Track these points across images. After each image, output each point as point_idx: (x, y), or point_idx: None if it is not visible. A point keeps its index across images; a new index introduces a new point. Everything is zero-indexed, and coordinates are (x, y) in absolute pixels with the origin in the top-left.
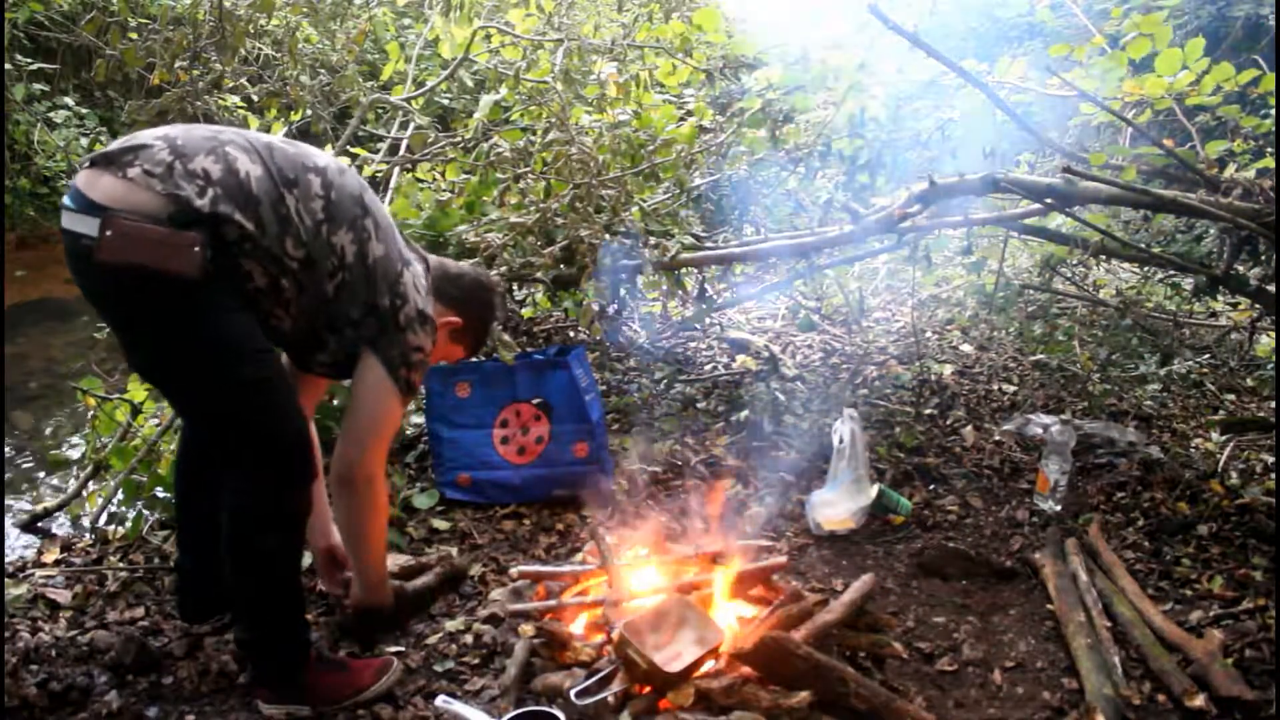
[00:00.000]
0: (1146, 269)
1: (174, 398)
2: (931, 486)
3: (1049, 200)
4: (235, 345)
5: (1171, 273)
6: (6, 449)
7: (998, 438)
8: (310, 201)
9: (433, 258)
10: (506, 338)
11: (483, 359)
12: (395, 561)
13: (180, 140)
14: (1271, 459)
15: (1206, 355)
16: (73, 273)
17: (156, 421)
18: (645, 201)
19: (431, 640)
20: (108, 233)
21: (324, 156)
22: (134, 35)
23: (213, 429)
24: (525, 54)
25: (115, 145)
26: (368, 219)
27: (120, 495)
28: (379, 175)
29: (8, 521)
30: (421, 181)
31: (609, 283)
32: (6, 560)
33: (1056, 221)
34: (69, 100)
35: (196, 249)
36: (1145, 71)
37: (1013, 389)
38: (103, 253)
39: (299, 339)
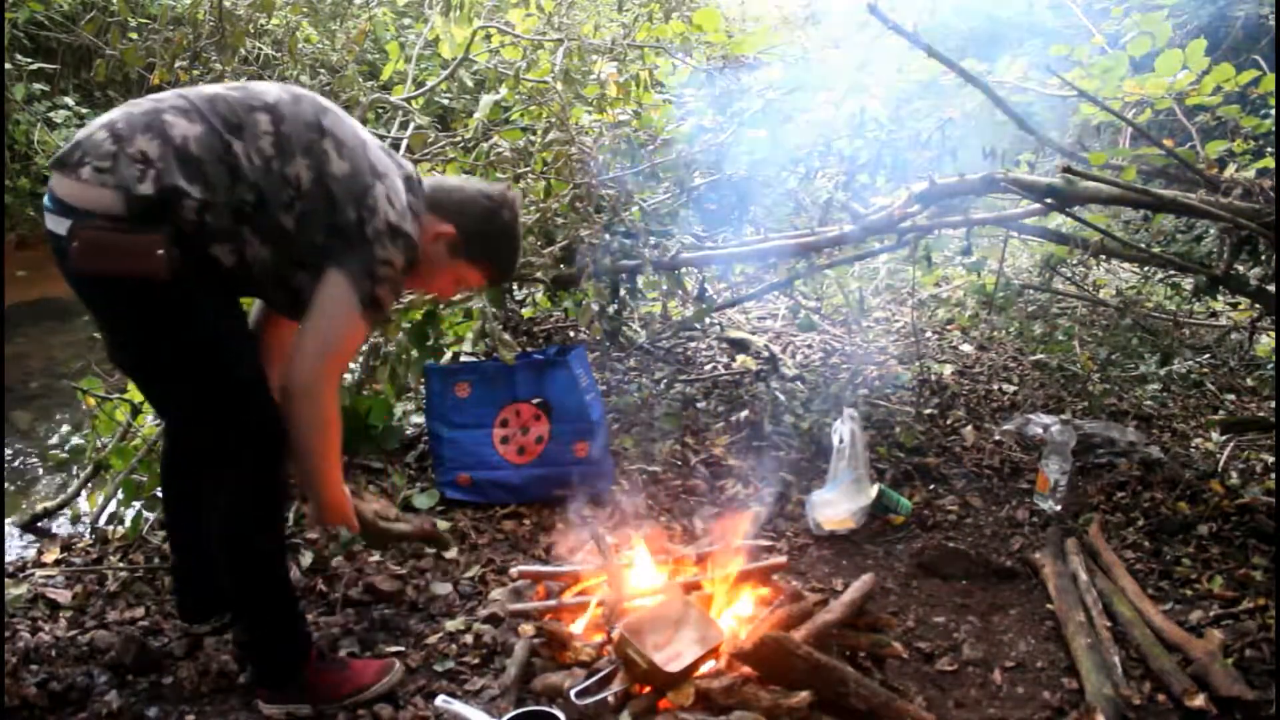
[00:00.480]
0: (1146, 269)
1: (162, 398)
2: (931, 486)
3: (1049, 200)
4: (223, 345)
5: (1171, 273)
6: (6, 449)
7: (998, 438)
8: (258, 141)
9: (437, 175)
10: (506, 337)
11: (482, 359)
12: (375, 508)
13: (121, 124)
14: (1271, 459)
15: (1206, 355)
16: (60, 272)
17: (156, 421)
18: (645, 201)
19: (431, 640)
20: (75, 243)
21: (275, 90)
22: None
23: (206, 429)
24: (525, 54)
25: (68, 144)
26: (325, 140)
27: (120, 495)
28: None
29: (7, 521)
30: None
31: (609, 283)
32: (6, 560)
33: (1056, 221)
34: (69, 100)
35: (160, 251)
36: (1145, 71)
37: (1013, 389)
38: (73, 262)
39: (272, 284)
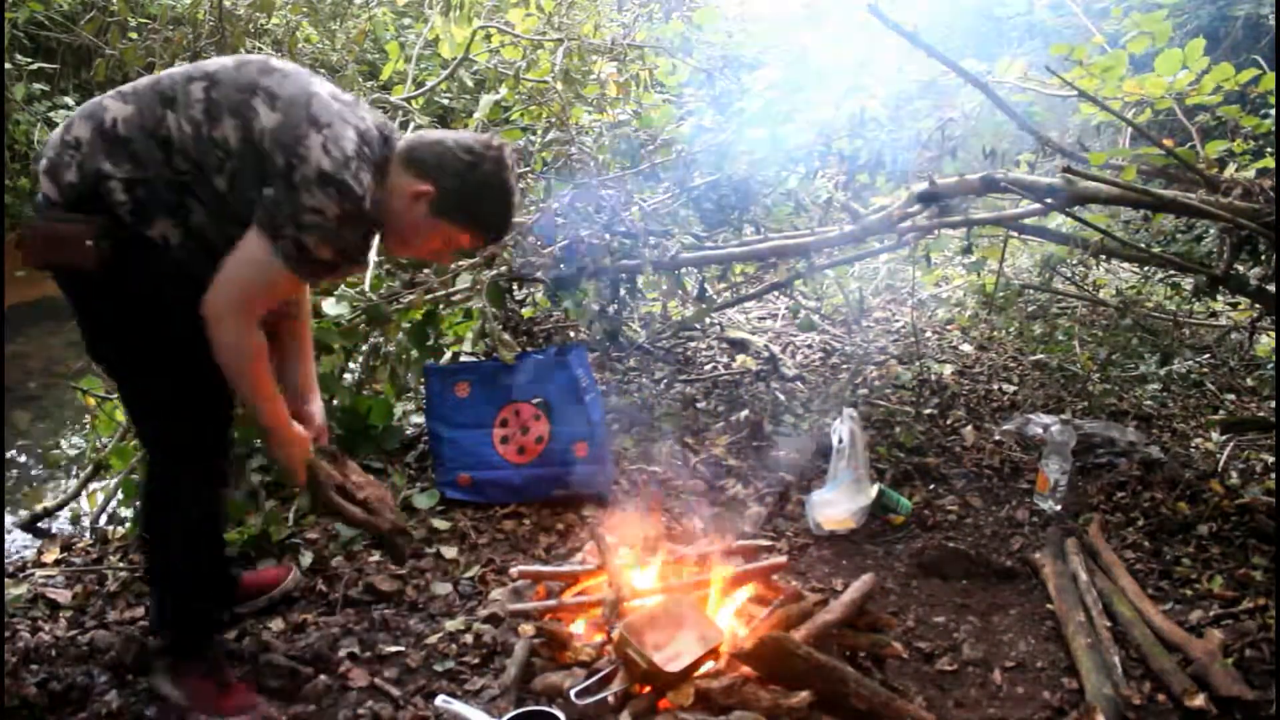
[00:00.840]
0: (1146, 269)
1: (131, 396)
2: (931, 486)
3: (1049, 200)
4: (166, 340)
5: (1171, 273)
6: (6, 449)
7: (998, 438)
8: (190, 109)
9: (424, 129)
10: (506, 337)
11: (482, 359)
12: (356, 480)
13: (76, 112)
14: (1271, 459)
15: (1206, 355)
16: None
17: None
18: (645, 202)
19: (431, 640)
20: (26, 238)
21: (226, 61)
22: (134, 35)
23: (174, 425)
24: (525, 54)
25: None
26: (257, 98)
27: (120, 495)
28: None
29: (8, 521)
30: None
31: (609, 283)
32: (6, 560)
33: (1056, 221)
34: (69, 100)
35: (89, 242)
36: (1145, 71)
37: (1013, 389)
38: (26, 259)
39: (224, 248)
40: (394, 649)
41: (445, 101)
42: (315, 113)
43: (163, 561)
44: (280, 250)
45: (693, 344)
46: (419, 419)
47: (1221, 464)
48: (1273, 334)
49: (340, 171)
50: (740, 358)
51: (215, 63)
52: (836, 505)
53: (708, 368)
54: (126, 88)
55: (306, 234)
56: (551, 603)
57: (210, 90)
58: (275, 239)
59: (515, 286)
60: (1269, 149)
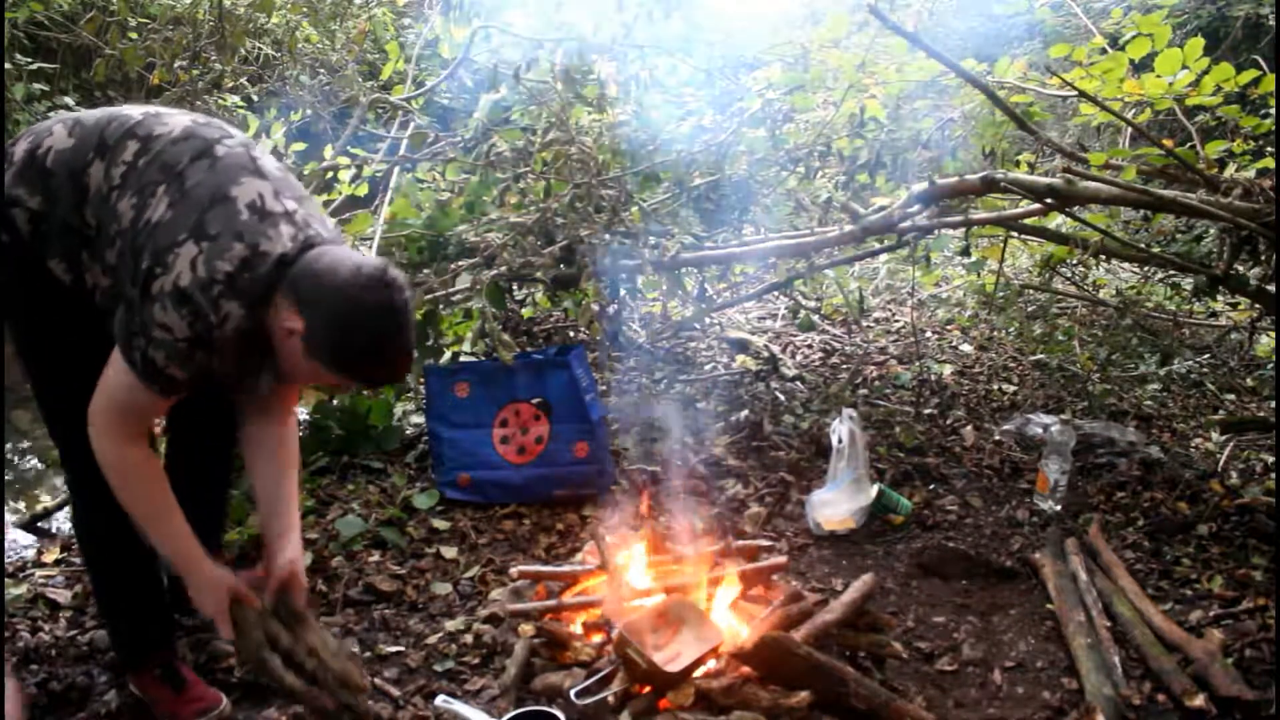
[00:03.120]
0: (1146, 269)
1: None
2: (931, 486)
3: (1049, 200)
4: (61, 354)
5: (1171, 273)
6: (6, 449)
7: (998, 438)
8: (112, 168)
9: (328, 251)
10: (506, 338)
11: (482, 359)
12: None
13: (38, 125)
14: (1271, 459)
15: (1206, 355)
16: None
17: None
18: (645, 202)
19: (431, 640)
20: None
21: (180, 125)
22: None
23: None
24: (525, 54)
25: None
26: (166, 185)
27: None
28: (379, 175)
29: (8, 521)
30: (421, 181)
31: (609, 283)
32: (6, 560)
33: (1056, 221)
34: (69, 100)
35: None
36: (1145, 71)
37: (1013, 389)
38: None
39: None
40: (394, 649)
41: (445, 102)
42: (208, 219)
43: (92, 580)
44: (131, 362)
45: (693, 344)
46: (419, 419)
47: (1221, 464)
48: (1273, 334)
49: (198, 292)
50: (740, 358)
51: (168, 123)
52: (836, 505)
53: (708, 368)
54: (88, 116)
55: (154, 349)
56: (551, 603)
57: (139, 157)
58: (127, 349)
59: (515, 286)
60: (1269, 149)
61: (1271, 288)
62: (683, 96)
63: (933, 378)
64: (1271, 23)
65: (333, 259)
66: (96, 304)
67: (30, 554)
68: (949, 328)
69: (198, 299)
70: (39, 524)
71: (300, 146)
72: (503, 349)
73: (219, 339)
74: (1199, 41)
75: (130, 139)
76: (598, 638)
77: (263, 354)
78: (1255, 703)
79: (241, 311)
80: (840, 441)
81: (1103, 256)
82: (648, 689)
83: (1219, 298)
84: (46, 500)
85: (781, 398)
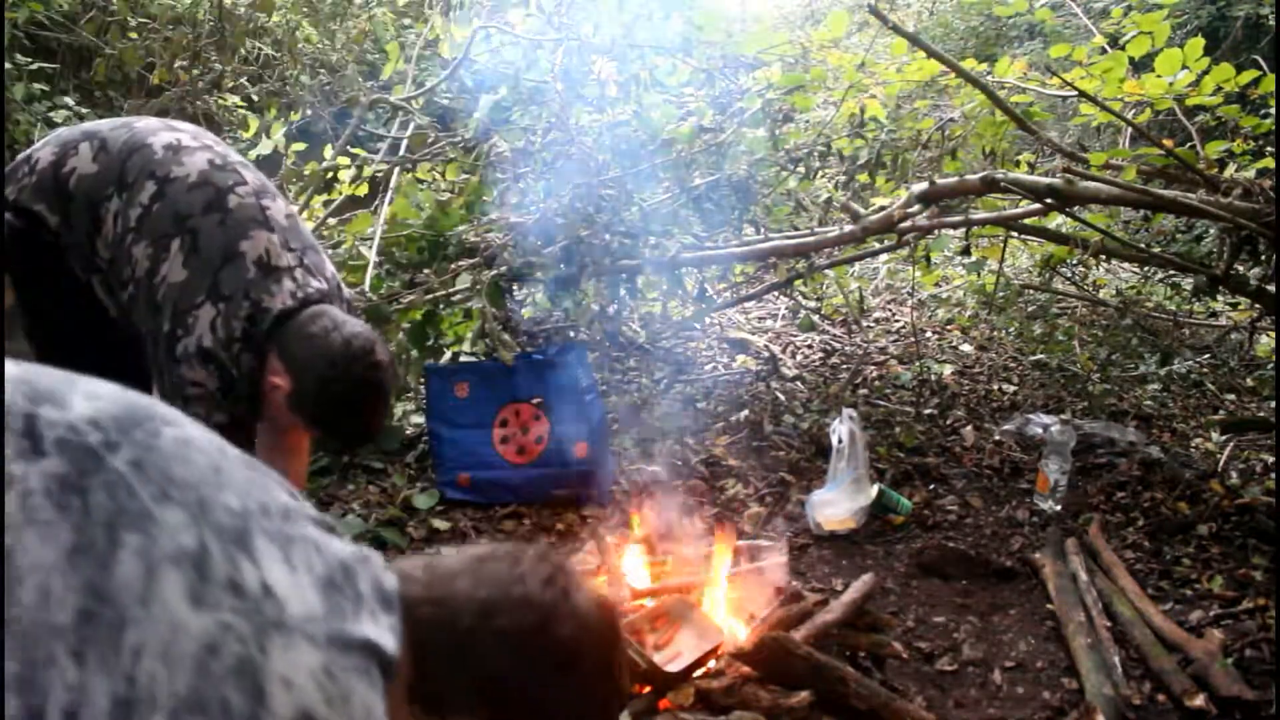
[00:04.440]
0: (1146, 269)
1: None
2: (931, 486)
3: (1049, 200)
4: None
5: (1171, 273)
6: None
7: (998, 438)
8: (131, 208)
9: (323, 313)
10: (506, 338)
11: (482, 359)
12: None
13: (61, 133)
14: (1271, 459)
15: (1206, 355)
16: None
17: None
18: (645, 202)
19: None
20: None
21: (197, 167)
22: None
23: None
24: (525, 54)
25: None
26: (177, 239)
27: None
28: (379, 175)
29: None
30: (421, 181)
31: (609, 282)
32: None
33: (1056, 221)
34: (69, 100)
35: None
36: (1145, 71)
37: (1013, 389)
38: None
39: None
40: None
41: (445, 102)
42: (222, 280)
43: None
44: None
45: (693, 344)
46: (419, 419)
47: (1221, 464)
48: (1273, 334)
49: (221, 351)
50: (740, 358)
51: (185, 163)
52: (836, 505)
53: (708, 368)
54: (114, 140)
55: (193, 406)
56: None
57: (154, 201)
58: (172, 403)
59: (515, 286)
60: (1269, 149)
61: (1271, 288)
62: (683, 96)
63: (933, 378)
64: (1271, 23)
65: (324, 324)
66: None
67: None
68: (949, 328)
69: (220, 357)
70: None
71: (300, 146)
72: (503, 349)
73: (239, 387)
74: (1199, 41)
75: (149, 180)
76: None
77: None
78: (1255, 703)
79: (254, 362)
80: (840, 441)
81: (1103, 256)
82: (648, 689)
83: (1219, 298)
84: None
85: (781, 398)
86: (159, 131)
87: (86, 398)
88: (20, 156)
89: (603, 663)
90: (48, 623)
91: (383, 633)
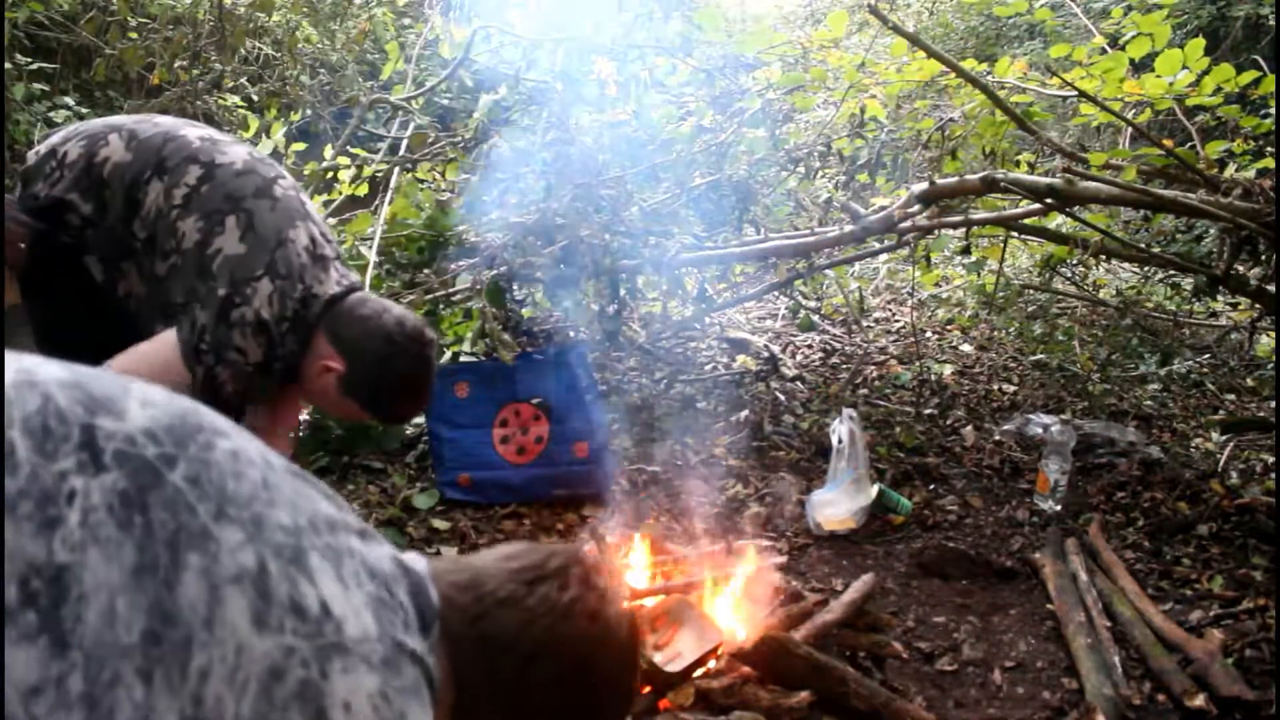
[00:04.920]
0: (1146, 269)
1: None
2: (931, 486)
3: (1049, 200)
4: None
5: (1171, 273)
6: None
7: (998, 438)
8: (174, 189)
9: (369, 298)
10: (506, 337)
11: (482, 359)
12: None
13: (82, 126)
14: (1271, 459)
15: (1206, 355)
16: None
17: None
18: (645, 202)
19: None
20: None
21: (240, 157)
22: (134, 35)
23: None
24: (525, 54)
25: None
26: (233, 216)
27: None
28: (379, 175)
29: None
30: (421, 181)
31: (609, 282)
32: None
33: (1056, 221)
34: (69, 100)
35: (22, 245)
36: (1145, 71)
37: (1013, 389)
38: None
39: (145, 324)
40: None
41: (445, 102)
42: (278, 259)
43: None
44: (193, 372)
45: (693, 344)
46: (419, 419)
47: (1221, 464)
48: (1273, 334)
49: (274, 325)
50: (740, 358)
51: (227, 152)
52: (836, 505)
53: (708, 368)
54: (143, 130)
55: (222, 368)
56: None
57: (202, 183)
58: (192, 361)
59: (515, 286)
60: (1269, 149)
61: (1271, 288)
62: (683, 96)
63: (933, 378)
64: (1271, 23)
65: (375, 308)
66: (126, 308)
67: None
68: (949, 328)
69: (273, 331)
70: None
71: (300, 146)
72: (503, 349)
73: (277, 368)
74: (1199, 42)
75: (192, 164)
76: None
77: (279, 378)
78: (1255, 703)
79: (295, 346)
80: (840, 441)
81: (1103, 256)
82: (647, 689)
83: (1219, 298)
84: None
85: (781, 398)
86: (185, 126)
87: (142, 405)
88: (40, 153)
89: (627, 690)
90: (115, 642)
91: (428, 653)
